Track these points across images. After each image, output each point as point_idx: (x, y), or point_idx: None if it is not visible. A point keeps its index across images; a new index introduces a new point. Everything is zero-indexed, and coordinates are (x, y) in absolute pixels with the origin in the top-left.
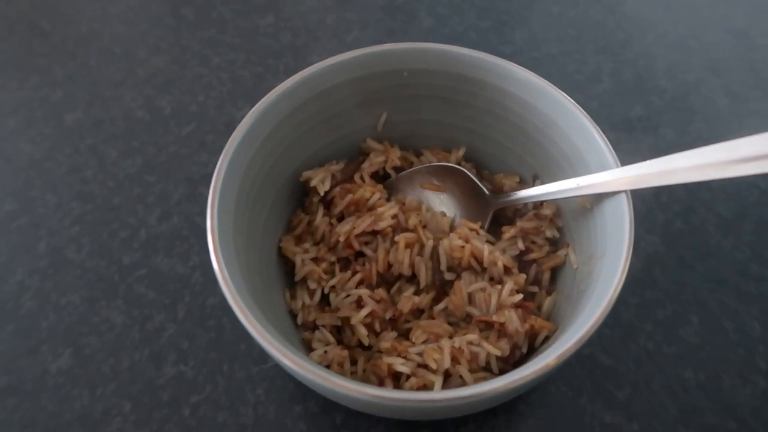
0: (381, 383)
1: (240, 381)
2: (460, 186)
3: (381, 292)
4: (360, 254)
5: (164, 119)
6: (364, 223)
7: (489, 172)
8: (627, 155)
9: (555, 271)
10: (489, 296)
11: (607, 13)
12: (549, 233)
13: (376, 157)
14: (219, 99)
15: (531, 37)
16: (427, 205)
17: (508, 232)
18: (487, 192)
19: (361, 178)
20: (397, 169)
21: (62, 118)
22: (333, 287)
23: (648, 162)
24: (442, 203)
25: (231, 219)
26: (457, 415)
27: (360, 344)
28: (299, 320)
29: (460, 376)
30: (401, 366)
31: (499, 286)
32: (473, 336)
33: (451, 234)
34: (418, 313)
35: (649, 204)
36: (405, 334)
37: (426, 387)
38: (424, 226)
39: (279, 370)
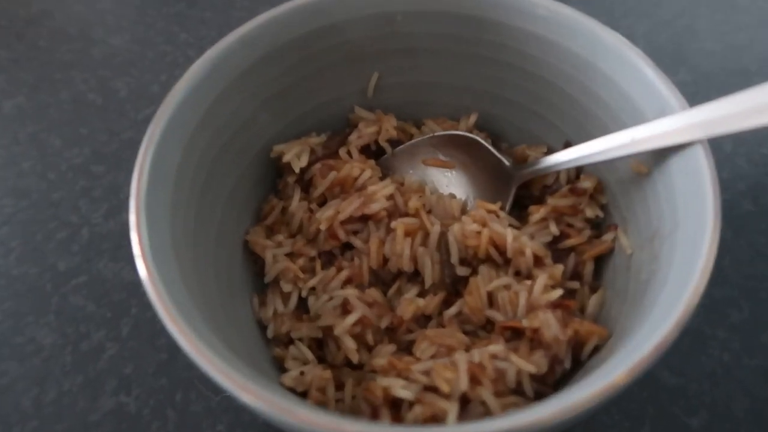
0: (375, 414)
1: (196, 415)
2: (473, 160)
3: (374, 294)
4: (347, 247)
5: (119, 102)
6: (351, 207)
7: (508, 145)
8: None
9: (600, 263)
10: (516, 295)
11: None
12: (590, 213)
13: (366, 128)
14: None
15: None
16: (432, 186)
17: (537, 212)
18: (507, 163)
19: (348, 153)
20: (393, 143)
21: (1, 104)
22: (313, 289)
23: (733, 96)
24: (450, 183)
25: (168, 206)
26: None
27: (348, 362)
28: (270, 333)
29: (483, 402)
30: (402, 390)
31: (529, 282)
32: (498, 348)
33: (463, 217)
34: (423, 320)
35: None
36: (407, 348)
37: (436, 418)
38: (429, 211)
39: None
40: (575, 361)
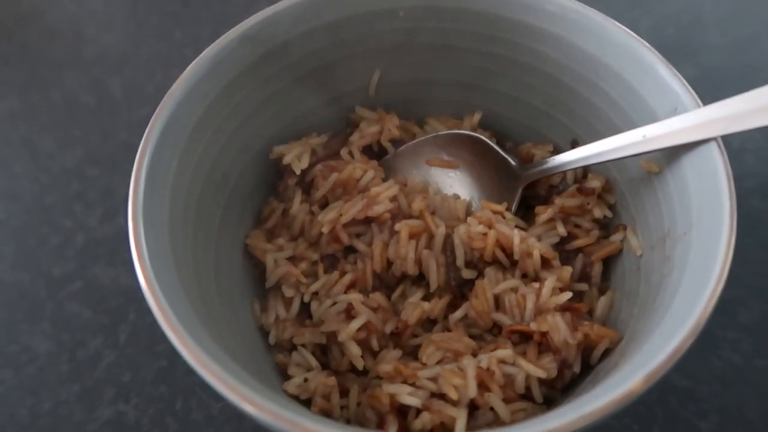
0: (381, 421)
1: (197, 423)
2: (479, 159)
3: (378, 298)
4: (350, 250)
5: (113, 103)
6: (354, 209)
7: (513, 143)
8: None
9: (609, 263)
10: (523, 298)
11: None
12: (598, 213)
13: (368, 128)
14: None
15: None
16: (436, 187)
17: (544, 213)
18: (513, 163)
19: (350, 153)
20: (396, 143)
21: None
22: (315, 294)
23: (747, 94)
24: (454, 183)
25: (166, 211)
26: None
27: (352, 369)
28: (272, 339)
29: (492, 409)
30: (408, 396)
31: (537, 284)
32: (506, 352)
33: (468, 219)
34: (428, 324)
35: None
36: (413, 353)
37: (444, 426)
38: (433, 213)
39: None
40: (585, 364)
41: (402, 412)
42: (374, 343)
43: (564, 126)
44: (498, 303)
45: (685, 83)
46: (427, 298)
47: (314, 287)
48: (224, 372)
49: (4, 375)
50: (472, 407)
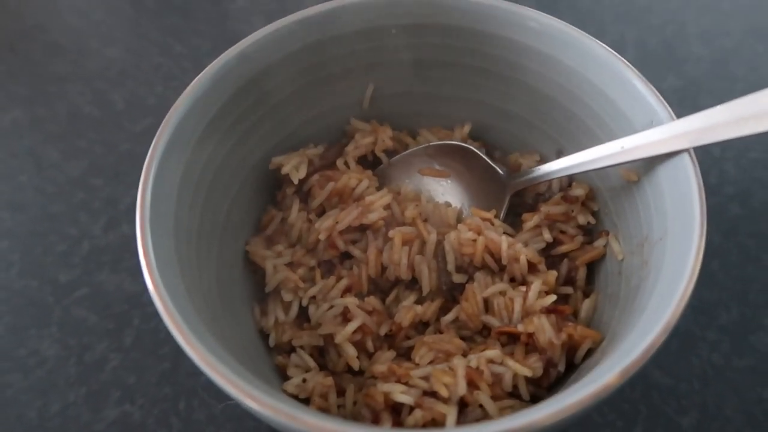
0: (376, 419)
1: (200, 423)
2: (468, 169)
3: (373, 302)
4: (346, 256)
5: (116, 114)
6: (349, 216)
7: (501, 153)
8: None
9: (592, 268)
10: (511, 301)
11: None
12: (582, 219)
13: (362, 139)
14: (181, 90)
15: (540, 7)
16: (428, 195)
17: (531, 220)
18: (501, 172)
19: (345, 164)
20: (389, 153)
21: None
22: (313, 298)
23: (717, 108)
24: (446, 192)
25: (171, 218)
26: None
27: (349, 369)
28: (271, 342)
29: (481, 406)
30: (402, 395)
31: (524, 288)
32: (494, 352)
33: (459, 225)
34: (421, 327)
35: None
36: (406, 354)
37: (435, 422)
38: (425, 220)
39: None
40: (569, 364)
41: (396, 409)
42: (369, 345)
43: (549, 137)
44: (487, 306)
45: (660, 98)
46: (419, 301)
47: (312, 292)
48: (228, 371)
49: (14, 378)
50: (462, 404)
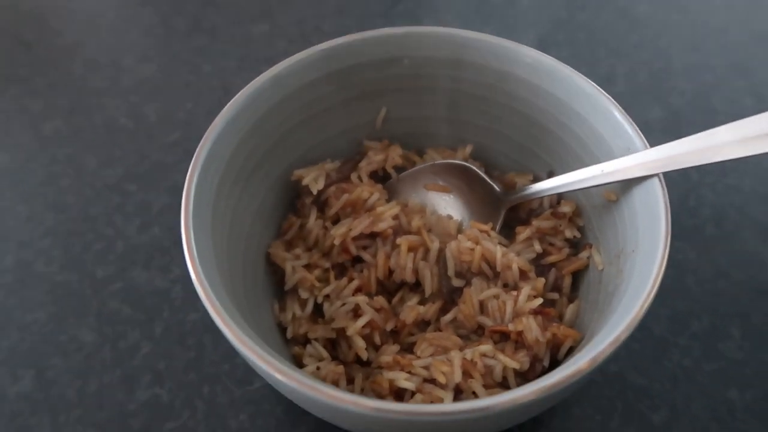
0: None
1: (222, 405)
2: (469, 185)
3: (381, 301)
4: (357, 260)
5: (149, 127)
6: (361, 225)
7: (499, 172)
8: None
9: (577, 277)
10: (503, 304)
11: (618, 16)
12: (569, 233)
13: (375, 155)
14: (208, 106)
15: (539, 42)
16: (432, 208)
17: (523, 232)
18: (498, 189)
19: (359, 178)
20: (398, 169)
21: (41, 127)
22: (327, 296)
23: (683, 140)
24: (448, 206)
25: (209, 220)
26: None
27: (357, 360)
28: (289, 334)
29: (473, 393)
30: (405, 381)
31: (515, 293)
32: (487, 347)
33: (459, 236)
34: (423, 325)
35: (676, 208)
36: (408, 349)
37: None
38: (429, 230)
39: (265, 393)
40: (553, 360)
41: (399, 395)
42: (376, 339)
43: (541, 159)
44: (482, 308)
45: (637, 128)
46: (422, 302)
47: (326, 291)
48: (262, 350)
49: (55, 361)
50: (458, 391)
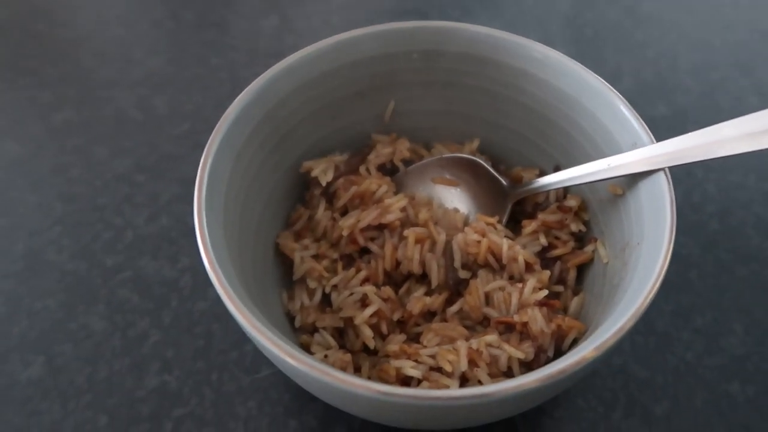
0: None
1: (229, 393)
2: (476, 179)
3: (388, 291)
4: (365, 251)
5: (158, 119)
6: (369, 216)
7: (506, 166)
8: None
9: (582, 270)
10: (509, 295)
11: (624, 15)
12: (574, 227)
13: (383, 149)
14: (217, 99)
15: (546, 39)
16: (439, 201)
17: (529, 226)
18: (504, 183)
19: (367, 170)
20: (406, 162)
21: (51, 117)
22: (335, 286)
23: (688, 135)
24: (455, 199)
25: (221, 209)
26: (476, 424)
27: (365, 349)
28: (297, 323)
29: (479, 381)
30: (411, 369)
31: (520, 285)
32: (492, 337)
33: (466, 228)
34: (429, 315)
35: (680, 204)
36: (415, 339)
37: None
38: (436, 222)
39: (273, 381)
40: (557, 351)
41: (405, 382)
42: (384, 328)
43: (548, 153)
44: (488, 299)
45: (643, 123)
46: (428, 293)
47: (334, 281)
48: (273, 336)
49: (66, 348)
50: (464, 380)
